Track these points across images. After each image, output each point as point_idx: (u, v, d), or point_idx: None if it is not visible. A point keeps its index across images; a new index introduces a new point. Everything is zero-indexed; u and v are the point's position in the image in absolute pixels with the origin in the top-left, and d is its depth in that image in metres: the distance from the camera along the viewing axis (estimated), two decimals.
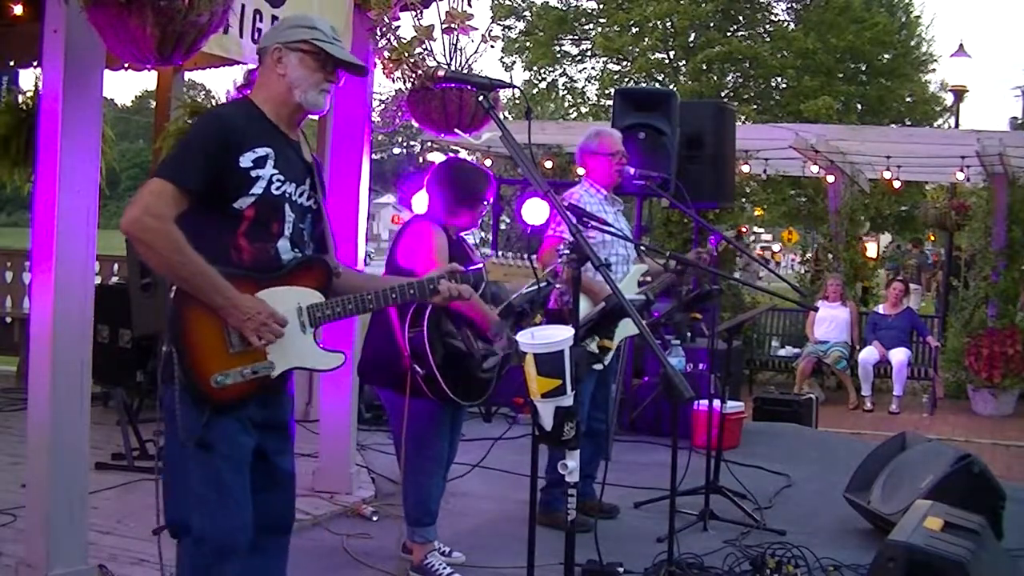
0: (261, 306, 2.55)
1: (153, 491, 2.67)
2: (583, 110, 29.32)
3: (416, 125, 4.69)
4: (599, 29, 27.98)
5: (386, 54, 4.38)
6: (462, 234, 4.03)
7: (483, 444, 5.45)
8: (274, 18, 4.04)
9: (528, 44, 28.60)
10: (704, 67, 26.60)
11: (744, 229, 13.02)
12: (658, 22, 26.71)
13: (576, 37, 29.10)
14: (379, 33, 4.37)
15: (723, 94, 26.09)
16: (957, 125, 14.03)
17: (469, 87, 4.12)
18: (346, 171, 4.93)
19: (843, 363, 9.92)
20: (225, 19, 3.14)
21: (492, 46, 4.57)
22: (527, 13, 28.86)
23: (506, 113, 22.94)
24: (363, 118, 4.92)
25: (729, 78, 27.92)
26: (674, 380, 2.26)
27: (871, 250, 13.06)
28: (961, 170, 10.21)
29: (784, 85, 27.29)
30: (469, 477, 5.31)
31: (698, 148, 6.76)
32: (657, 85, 25.41)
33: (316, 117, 3.19)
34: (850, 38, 25.34)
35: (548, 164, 11.22)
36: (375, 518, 4.68)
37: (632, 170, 4.80)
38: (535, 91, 28.32)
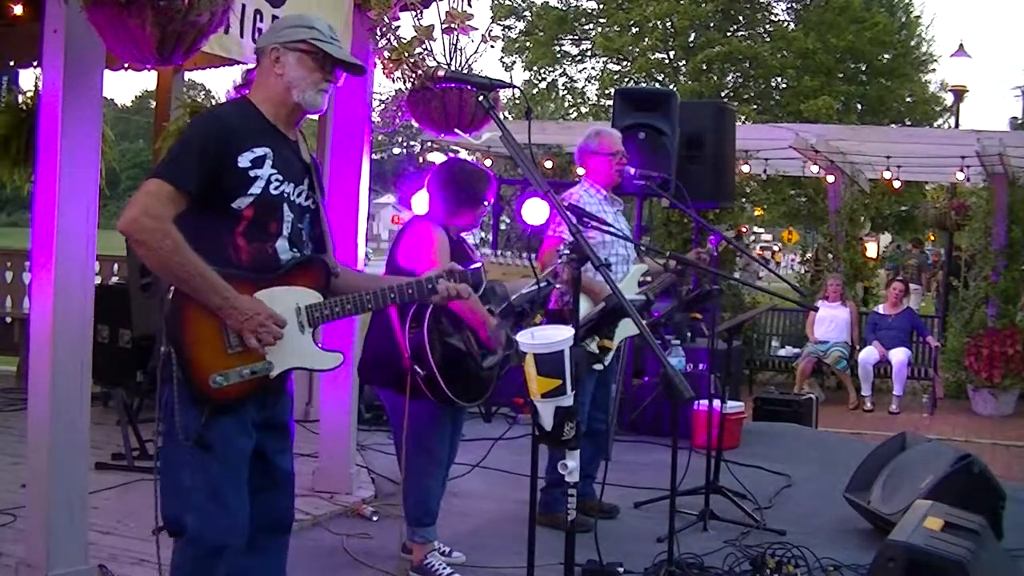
0: (260, 307, 2.55)
1: (153, 491, 2.67)
2: (583, 110, 29.32)
3: (416, 125, 4.69)
4: (599, 29, 27.98)
5: (386, 54, 4.37)
6: (462, 234, 4.03)
7: (483, 444, 5.45)
8: (275, 18, 4.04)
9: (528, 44, 28.60)
10: (704, 67, 26.60)
11: (744, 229, 13.01)
12: (658, 22, 26.70)
13: (576, 37, 29.10)
14: (379, 33, 4.37)
15: (723, 94, 26.09)
16: (957, 125, 14.03)
17: (469, 87, 4.12)
18: (346, 171, 4.93)
19: (843, 363, 9.92)
20: (225, 19, 3.14)
21: (492, 46, 4.56)
22: (527, 13, 28.85)
23: (506, 113, 22.95)
24: (363, 118, 4.92)
25: (729, 78, 27.92)
26: (674, 380, 2.26)
27: (871, 250, 13.06)
28: (961, 170, 10.21)
29: (784, 85, 27.29)
30: (469, 477, 5.31)
31: (698, 148, 6.77)
32: (657, 85, 25.41)
33: (316, 117, 3.20)
34: (850, 38, 25.34)
35: (548, 164, 11.22)
36: (375, 518, 4.68)
37: (632, 170, 4.80)
38: (535, 91, 28.31)
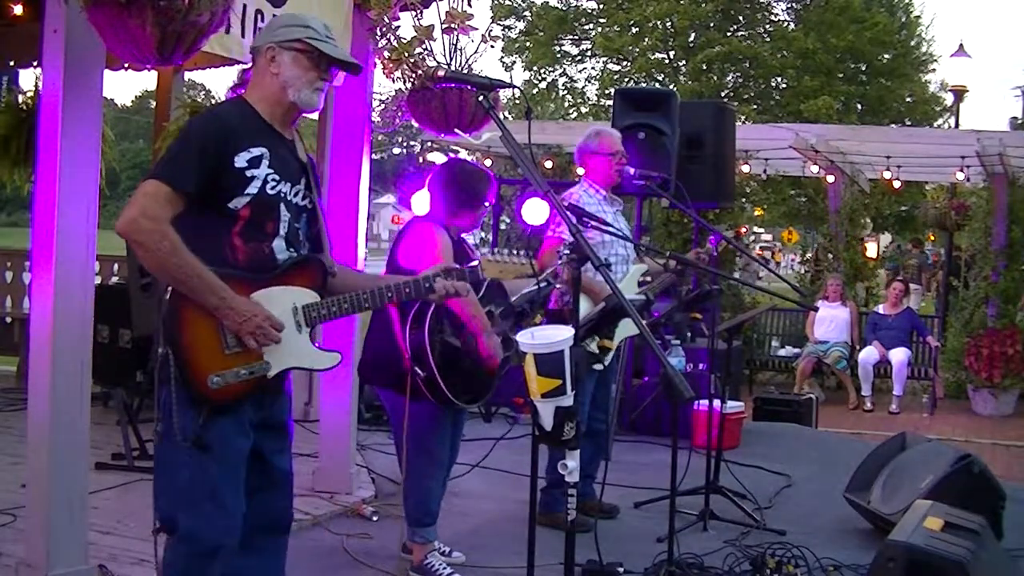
0: (257, 308, 2.55)
1: (152, 491, 2.67)
2: (583, 110, 29.31)
3: (416, 125, 4.69)
4: (599, 29, 27.97)
5: (386, 54, 4.37)
6: (462, 235, 4.03)
7: (483, 444, 5.45)
8: (275, 17, 4.04)
9: (528, 44, 28.59)
10: (704, 67, 26.59)
11: (744, 229, 13.00)
12: (658, 22, 26.70)
13: (576, 37, 29.09)
14: (379, 33, 4.37)
15: (723, 94, 26.08)
16: (957, 125, 14.03)
17: (469, 87, 4.12)
18: (346, 171, 4.93)
19: (843, 363, 9.91)
20: (225, 19, 3.14)
21: (492, 46, 4.56)
22: (527, 13, 28.84)
23: (506, 113, 22.95)
24: (363, 118, 4.92)
25: (729, 78, 27.91)
26: (674, 380, 2.26)
27: (871, 250, 13.06)
28: (961, 170, 10.21)
29: (784, 85, 27.28)
30: (469, 477, 5.31)
31: (698, 148, 6.77)
32: (657, 85, 25.41)
33: (316, 117, 3.23)
34: (850, 38, 25.33)
35: (548, 164, 11.21)
36: (375, 518, 4.68)
37: (632, 170, 4.80)
38: (535, 91, 28.31)
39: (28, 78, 6.62)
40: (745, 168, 10.85)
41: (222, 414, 2.55)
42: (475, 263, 2.93)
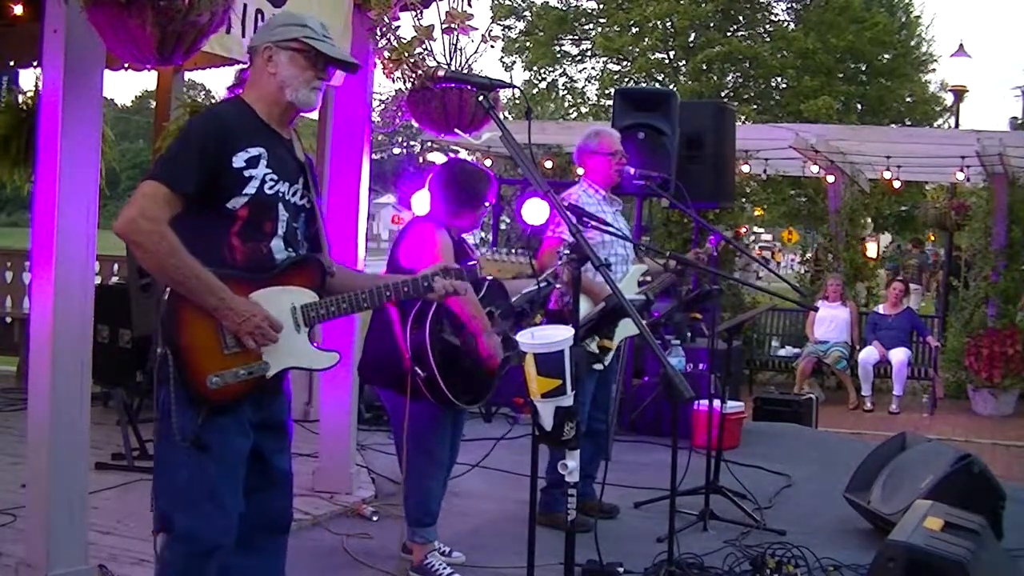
0: (256, 309, 2.55)
1: (152, 491, 2.67)
2: (583, 110, 29.31)
3: (416, 125, 4.69)
4: (599, 29, 27.97)
5: (386, 54, 4.37)
6: (463, 235, 4.02)
7: (483, 444, 5.44)
8: (272, 17, 4.04)
9: (528, 44, 28.59)
10: (704, 67, 26.59)
11: (743, 229, 12.99)
12: (658, 22, 26.70)
13: (576, 37, 29.09)
14: (379, 33, 4.37)
15: (723, 94, 26.08)
16: (957, 125, 14.03)
17: (469, 87, 4.12)
18: (346, 171, 4.93)
19: (843, 363, 9.91)
20: (225, 19, 3.14)
21: (492, 46, 4.56)
22: (527, 13, 28.85)
23: (506, 113, 22.95)
24: (363, 118, 4.92)
25: (729, 78, 27.91)
26: (674, 380, 2.26)
27: (871, 250, 13.06)
28: (961, 170, 10.21)
29: (784, 85, 27.28)
30: (469, 477, 5.31)
31: (698, 148, 6.77)
32: (657, 85, 25.41)
33: (316, 117, 3.23)
34: (850, 38, 25.34)
35: (548, 164, 11.21)
36: (375, 518, 4.68)
37: (632, 170, 4.80)
38: (535, 91, 28.31)
39: (28, 78, 6.63)
40: (745, 168, 10.85)
41: (221, 414, 2.55)
42: (473, 262, 2.93)
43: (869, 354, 9.80)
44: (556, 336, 2.39)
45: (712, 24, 27.28)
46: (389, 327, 3.73)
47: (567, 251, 2.72)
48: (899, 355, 9.65)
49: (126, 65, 5.63)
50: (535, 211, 4.71)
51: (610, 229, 3.91)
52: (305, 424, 6.11)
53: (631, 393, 6.90)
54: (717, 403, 5.31)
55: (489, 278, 3.64)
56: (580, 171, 4.91)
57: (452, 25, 4.35)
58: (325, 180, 5.20)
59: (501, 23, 28.07)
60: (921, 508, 3.70)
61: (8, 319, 8.37)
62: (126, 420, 5.20)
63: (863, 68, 26.89)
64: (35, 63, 5.98)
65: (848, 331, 10.13)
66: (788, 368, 10.57)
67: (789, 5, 28.15)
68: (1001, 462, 7.10)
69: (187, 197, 2.50)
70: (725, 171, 6.98)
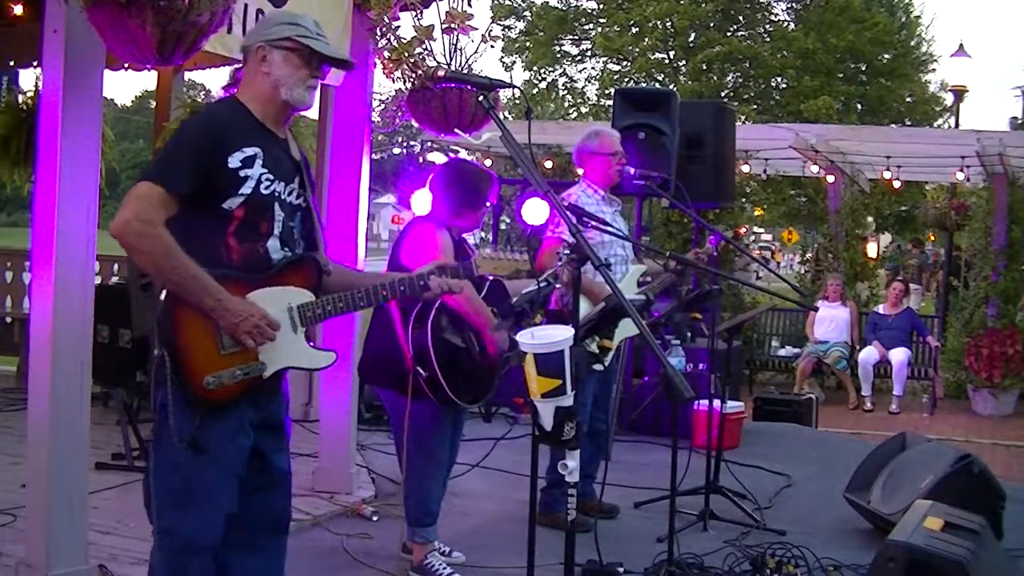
0: (252, 309, 2.55)
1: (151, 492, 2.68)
2: (583, 110, 29.31)
3: (416, 125, 4.69)
4: (599, 29, 27.98)
5: (386, 54, 4.37)
6: (463, 235, 4.02)
7: (483, 444, 5.44)
8: (265, 16, 4.03)
9: (528, 44, 28.59)
10: (704, 67, 26.59)
11: (743, 230, 13.00)
12: (658, 22, 26.69)
13: (576, 37, 29.09)
14: (379, 33, 4.37)
15: (723, 94, 26.08)
16: (957, 125, 14.03)
17: (469, 87, 4.12)
18: (346, 171, 4.93)
19: (843, 363, 9.92)
20: (225, 19, 3.13)
21: (492, 46, 4.56)
22: (527, 13, 28.84)
23: (506, 113, 22.94)
24: (363, 118, 4.92)
25: (729, 78, 27.91)
26: (674, 380, 2.26)
27: (871, 250, 13.07)
28: (961, 170, 10.21)
29: (784, 85, 27.28)
30: (469, 477, 5.31)
31: (698, 148, 6.77)
32: (657, 85, 25.41)
33: (316, 117, 3.24)
34: (850, 38, 25.34)
35: (548, 164, 11.22)
36: (375, 518, 4.68)
37: (632, 170, 4.80)
38: (535, 91, 28.30)
39: (28, 78, 6.64)
40: (745, 168, 10.86)
41: (218, 415, 2.55)
42: (468, 261, 2.93)
43: (869, 354, 9.80)
44: (556, 336, 2.39)
45: (712, 24, 27.28)
46: (390, 327, 3.73)
47: (567, 251, 2.72)
48: (899, 355, 9.65)
49: (126, 65, 5.63)
50: (535, 211, 4.71)
51: (610, 229, 3.91)
52: (305, 424, 6.11)
53: (631, 393, 6.90)
54: (717, 403, 5.31)
55: (490, 277, 3.65)
56: (580, 171, 4.91)
57: (452, 25, 4.36)
58: (325, 180, 5.21)
59: (501, 23, 28.07)
60: (921, 508, 3.70)
61: (8, 319, 8.37)
62: (126, 420, 5.20)
63: (863, 68, 26.89)
64: (35, 63, 5.99)
65: (848, 331, 10.13)
66: (788, 368, 10.57)
67: (789, 5, 28.16)
68: (1001, 462, 7.10)
69: (182, 198, 2.49)
70: (725, 171, 6.99)
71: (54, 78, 3.27)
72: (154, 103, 7.89)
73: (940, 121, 25.87)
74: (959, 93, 14.02)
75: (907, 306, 10.51)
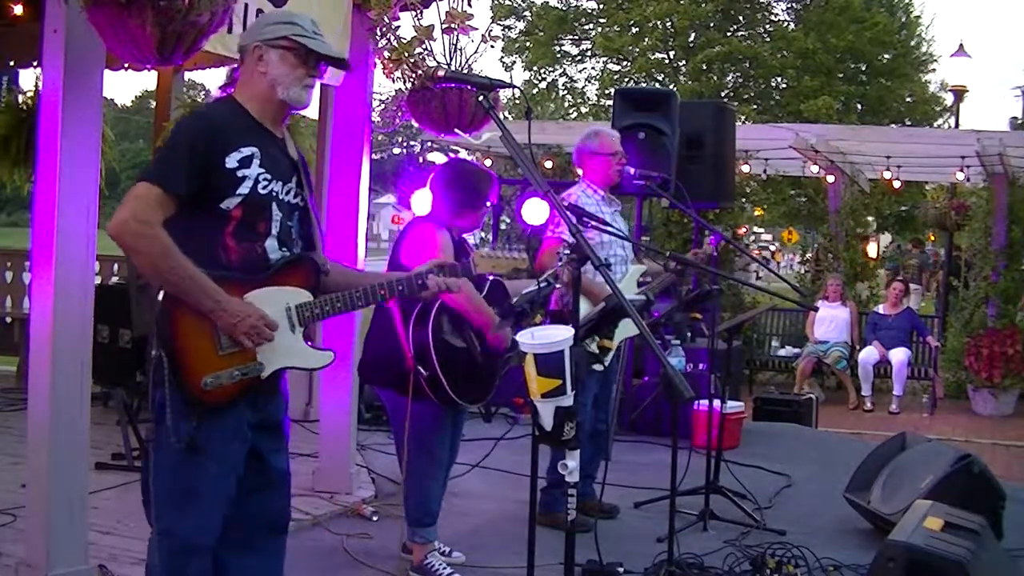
0: (251, 309, 2.55)
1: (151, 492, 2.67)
2: (583, 110, 29.31)
3: (416, 125, 4.69)
4: (599, 29, 27.98)
5: (386, 54, 4.37)
6: (463, 235, 4.02)
7: (483, 444, 5.45)
8: (262, 15, 4.03)
9: (528, 44, 28.59)
10: (704, 67, 26.59)
11: (743, 230, 13.00)
12: (658, 22, 26.70)
13: (576, 37, 29.09)
14: (379, 33, 4.37)
15: (723, 94, 26.08)
16: (957, 125, 14.03)
17: (469, 87, 4.12)
18: (346, 171, 4.93)
19: (843, 363, 9.92)
20: (226, 19, 3.13)
21: (492, 46, 4.56)
22: (527, 13, 28.84)
23: (506, 113, 22.94)
24: (363, 118, 4.92)
25: (729, 78, 27.91)
26: (674, 380, 2.26)
27: (871, 250, 13.07)
28: (961, 170, 10.21)
29: (784, 85, 27.28)
30: (469, 477, 5.31)
31: (698, 148, 6.77)
32: (657, 85, 25.41)
33: (316, 116, 3.23)
34: (850, 38, 25.34)
35: (548, 164, 11.21)
36: (375, 518, 4.68)
37: (632, 170, 4.80)
38: (535, 91, 28.30)
39: (28, 78, 6.64)
40: (745, 168, 10.86)
41: (216, 416, 2.55)
42: (469, 259, 2.93)
43: (869, 354, 9.80)
44: (556, 336, 2.39)
45: (712, 24, 27.28)
46: (390, 327, 3.73)
47: (567, 251, 2.72)
48: (899, 355, 9.65)
49: (126, 65, 5.63)
50: (535, 211, 4.71)
51: (610, 229, 3.91)
52: (305, 424, 6.11)
53: (631, 393, 6.90)
54: (717, 403, 5.31)
55: (491, 277, 3.64)
56: (580, 171, 4.91)
57: (452, 25, 4.36)
58: (325, 180, 5.21)
59: (501, 23, 28.07)
60: (921, 508, 3.70)
61: (8, 319, 8.37)
62: (126, 420, 5.20)
63: (863, 68, 26.89)
64: (35, 63, 5.99)
65: (848, 331, 10.13)
66: (788, 368, 10.57)
67: (789, 5, 28.16)
68: (1001, 462, 7.10)
69: (180, 198, 2.49)
70: (725, 171, 6.99)
71: (54, 78, 3.27)
72: (154, 103, 7.89)
73: (940, 121, 25.87)
74: (959, 93, 14.03)
75: (907, 306, 10.51)
